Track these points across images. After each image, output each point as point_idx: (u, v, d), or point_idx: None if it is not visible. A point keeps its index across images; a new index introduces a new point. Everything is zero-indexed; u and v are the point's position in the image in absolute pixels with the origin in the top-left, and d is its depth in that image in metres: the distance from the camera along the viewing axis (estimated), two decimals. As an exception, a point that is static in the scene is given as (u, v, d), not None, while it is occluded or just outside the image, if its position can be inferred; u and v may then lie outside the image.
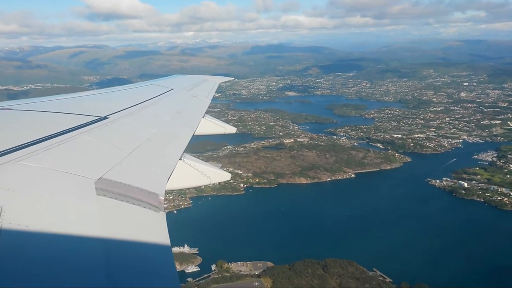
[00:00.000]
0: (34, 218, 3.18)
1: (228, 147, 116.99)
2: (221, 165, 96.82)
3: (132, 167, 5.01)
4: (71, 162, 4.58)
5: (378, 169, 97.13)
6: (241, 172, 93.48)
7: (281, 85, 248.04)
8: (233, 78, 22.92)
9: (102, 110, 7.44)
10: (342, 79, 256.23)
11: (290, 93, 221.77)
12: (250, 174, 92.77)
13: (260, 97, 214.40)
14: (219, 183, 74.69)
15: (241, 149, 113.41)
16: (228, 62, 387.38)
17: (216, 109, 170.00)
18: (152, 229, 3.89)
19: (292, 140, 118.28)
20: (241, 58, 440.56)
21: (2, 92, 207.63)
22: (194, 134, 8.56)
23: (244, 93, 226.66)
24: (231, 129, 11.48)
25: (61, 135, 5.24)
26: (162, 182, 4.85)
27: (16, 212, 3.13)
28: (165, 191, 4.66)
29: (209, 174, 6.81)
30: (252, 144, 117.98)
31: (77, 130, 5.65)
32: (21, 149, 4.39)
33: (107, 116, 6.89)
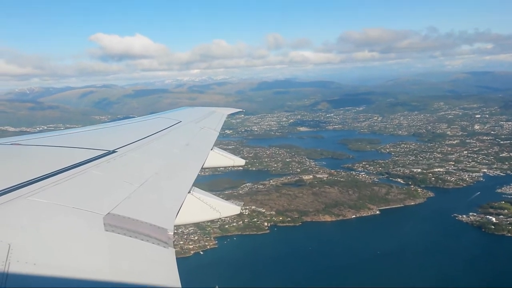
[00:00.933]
0: (42, 256, 3.15)
1: (247, 184, 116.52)
2: (243, 203, 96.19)
3: (141, 201, 5.03)
4: (80, 197, 4.60)
5: (402, 205, 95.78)
6: (264, 211, 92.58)
7: (291, 120, 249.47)
8: (241, 110, 23.53)
9: (110, 143, 7.49)
10: (353, 114, 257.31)
11: (302, 129, 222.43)
12: (273, 212, 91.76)
13: (272, 133, 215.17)
14: (245, 222, 73.74)
15: (260, 186, 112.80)
16: (237, 98, 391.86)
17: (231, 146, 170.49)
18: (161, 265, 3.85)
19: (311, 176, 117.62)
20: (249, 94, 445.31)
21: (16, 134, 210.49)
22: (203, 166, 8.54)
23: (255, 129, 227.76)
24: (239, 161, 11.36)
25: (70, 170, 5.26)
26: (171, 216, 4.85)
27: (24, 250, 3.10)
28: (175, 225, 4.63)
29: (218, 208, 6.68)
30: (270, 181, 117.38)
31: (86, 165, 5.66)
32: (30, 184, 4.40)
33: (115, 150, 6.90)
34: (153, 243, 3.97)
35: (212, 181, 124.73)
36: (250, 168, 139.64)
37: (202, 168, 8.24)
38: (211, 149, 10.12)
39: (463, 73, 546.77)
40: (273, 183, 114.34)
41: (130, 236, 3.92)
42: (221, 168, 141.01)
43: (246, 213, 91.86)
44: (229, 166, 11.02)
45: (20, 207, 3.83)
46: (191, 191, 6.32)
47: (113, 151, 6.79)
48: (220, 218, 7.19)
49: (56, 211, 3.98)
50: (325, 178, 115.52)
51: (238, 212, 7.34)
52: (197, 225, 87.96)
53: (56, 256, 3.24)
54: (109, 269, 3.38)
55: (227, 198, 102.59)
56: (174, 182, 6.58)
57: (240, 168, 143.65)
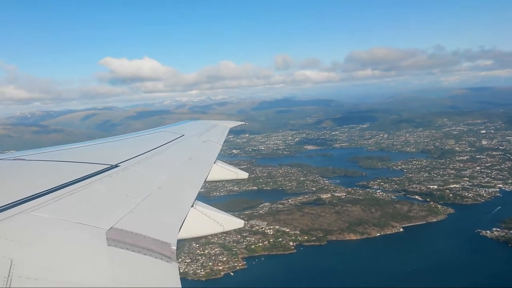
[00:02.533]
0: (44, 271, 3.16)
1: (265, 204, 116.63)
2: (266, 223, 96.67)
3: (144, 215, 5.01)
4: (83, 211, 4.59)
5: (424, 222, 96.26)
6: (288, 230, 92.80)
7: (297, 139, 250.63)
8: (244, 123, 22.78)
9: (113, 158, 7.49)
10: (357, 131, 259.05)
11: (309, 147, 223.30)
12: (297, 232, 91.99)
13: (280, 152, 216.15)
14: (270, 242, 73.96)
15: (279, 205, 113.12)
16: (239, 118, 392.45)
17: (242, 166, 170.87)
18: (164, 280, 3.85)
19: (329, 195, 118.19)
20: (251, 113, 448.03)
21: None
22: (206, 180, 8.61)
23: (262, 148, 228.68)
24: (243, 175, 11.25)
25: (73, 184, 5.29)
26: (174, 231, 4.81)
27: (26, 265, 3.10)
28: (178, 240, 4.62)
29: (222, 222, 6.65)
30: (289, 200, 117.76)
31: (89, 179, 5.69)
32: (33, 199, 4.43)
33: (118, 164, 6.92)
34: (156, 257, 3.97)
35: (228, 201, 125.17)
36: (264, 188, 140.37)
37: (205, 181, 8.26)
38: (214, 162, 10.10)
39: (462, 89, 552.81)
40: (292, 202, 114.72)
41: (133, 251, 3.92)
42: (235, 188, 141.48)
43: (271, 233, 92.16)
44: (232, 180, 11.00)
45: (23, 222, 3.84)
46: (194, 205, 6.33)
47: (116, 165, 6.80)
48: (223, 232, 6.96)
49: (59, 226, 3.99)
50: (343, 197, 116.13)
51: (242, 226, 7.26)
52: (223, 245, 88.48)
53: (58, 271, 3.25)
54: (112, 284, 3.40)
55: (249, 218, 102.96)
56: (177, 196, 6.55)
57: (255, 188, 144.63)
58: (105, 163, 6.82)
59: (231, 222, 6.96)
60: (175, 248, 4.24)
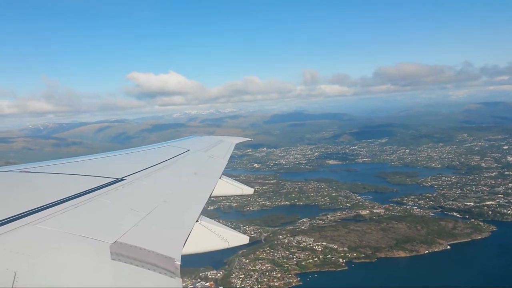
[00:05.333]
0: (48, 284, 3.16)
1: (304, 220, 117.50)
2: (313, 239, 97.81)
3: (148, 230, 5.00)
4: (87, 225, 4.61)
5: (469, 239, 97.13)
6: (336, 247, 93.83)
7: (317, 153, 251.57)
8: (250, 139, 23.15)
9: (118, 171, 7.52)
10: (377, 146, 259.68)
11: (331, 162, 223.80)
12: (346, 249, 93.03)
13: (303, 166, 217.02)
14: (320, 258, 74.91)
15: (319, 221, 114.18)
16: (254, 131, 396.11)
17: (271, 181, 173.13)
18: None
19: (367, 211, 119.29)
20: (264, 127, 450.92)
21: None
22: (212, 195, 8.57)
23: (283, 162, 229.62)
24: (248, 190, 11.15)
25: (79, 197, 5.31)
26: (179, 246, 4.79)
27: (29, 278, 3.13)
28: (182, 255, 4.60)
29: (226, 237, 6.63)
30: (328, 216, 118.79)
31: (94, 192, 5.72)
32: (38, 212, 4.44)
33: (124, 178, 6.96)
34: (160, 272, 3.96)
35: (264, 216, 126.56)
36: (297, 203, 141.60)
37: (210, 196, 8.29)
38: (220, 178, 10.13)
39: (475, 104, 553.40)
40: (331, 218, 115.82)
41: (137, 265, 3.93)
42: (268, 203, 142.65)
43: (319, 249, 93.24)
44: (237, 195, 11.25)
45: (27, 235, 3.86)
46: (199, 220, 6.31)
47: (121, 179, 6.84)
48: (228, 248, 6.84)
49: (63, 239, 4.01)
50: (382, 213, 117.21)
51: (247, 242, 7.20)
52: (273, 261, 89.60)
53: (62, 285, 3.25)
54: None
55: (291, 234, 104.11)
56: (182, 211, 6.52)
57: (287, 203, 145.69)
58: (111, 177, 6.87)
59: (236, 238, 6.94)
60: (179, 263, 4.23)
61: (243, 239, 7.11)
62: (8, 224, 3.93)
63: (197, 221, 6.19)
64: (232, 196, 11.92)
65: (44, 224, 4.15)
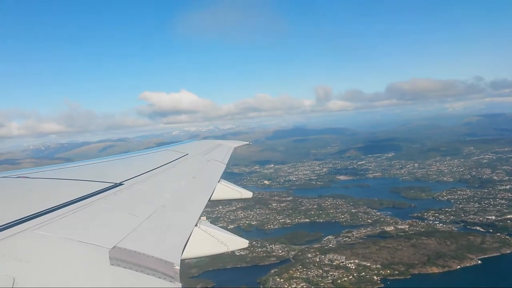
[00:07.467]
0: None
1: (329, 237, 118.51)
2: (345, 257, 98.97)
3: (147, 234, 4.99)
4: (86, 230, 4.61)
5: (499, 254, 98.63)
6: (368, 264, 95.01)
7: (325, 169, 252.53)
8: (248, 143, 22.81)
9: (117, 176, 7.54)
10: (384, 160, 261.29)
11: (342, 177, 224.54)
12: (379, 266, 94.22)
13: (314, 182, 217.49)
14: (354, 276, 75.84)
15: (346, 239, 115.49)
16: (260, 148, 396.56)
17: (288, 198, 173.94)
18: None
19: (392, 227, 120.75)
20: (268, 143, 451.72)
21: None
22: (211, 199, 8.59)
23: (293, 179, 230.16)
24: (247, 194, 11.08)
25: (77, 202, 5.31)
26: (178, 250, 4.81)
27: (27, 284, 3.12)
28: (182, 259, 4.60)
29: (226, 241, 6.62)
30: (353, 233, 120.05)
31: (93, 197, 5.72)
32: (36, 217, 4.43)
33: (122, 182, 6.98)
34: (159, 277, 3.96)
35: (286, 234, 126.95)
36: (317, 220, 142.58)
37: (209, 200, 8.31)
38: (218, 182, 10.18)
39: (474, 116, 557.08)
40: (357, 235, 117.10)
41: (136, 270, 3.91)
42: (288, 221, 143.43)
43: (353, 267, 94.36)
44: (236, 199, 11.00)
45: (26, 241, 3.86)
46: (198, 224, 6.32)
47: (120, 184, 6.87)
48: (228, 252, 6.84)
49: (62, 245, 4.00)
50: (406, 229, 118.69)
51: (246, 246, 7.16)
52: (308, 280, 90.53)
53: None
54: None
55: (320, 252, 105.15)
56: (181, 215, 6.53)
57: (307, 220, 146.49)
58: (110, 181, 6.91)
59: (235, 242, 6.95)
60: (179, 267, 4.22)
61: (243, 243, 7.08)
62: (6, 230, 3.95)
63: (196, 225, 6.24)
64: (231, 200, 10.99)
65: (43, 230, 4.16)
